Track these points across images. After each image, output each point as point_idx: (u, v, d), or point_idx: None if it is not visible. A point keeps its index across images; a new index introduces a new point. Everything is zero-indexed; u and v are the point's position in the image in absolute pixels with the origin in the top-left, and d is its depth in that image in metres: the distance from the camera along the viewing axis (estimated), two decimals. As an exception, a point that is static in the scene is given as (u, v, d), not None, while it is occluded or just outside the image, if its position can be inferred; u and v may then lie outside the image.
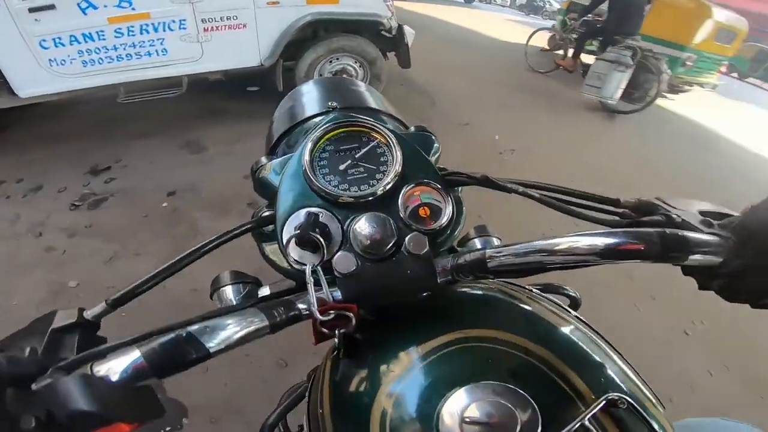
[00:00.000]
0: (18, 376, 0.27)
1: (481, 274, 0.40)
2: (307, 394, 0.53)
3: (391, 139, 0.48)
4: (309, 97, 0.69)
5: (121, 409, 0.27)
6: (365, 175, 0.47)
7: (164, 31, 2.62)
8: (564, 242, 0.37)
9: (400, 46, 3.44)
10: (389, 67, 3.60)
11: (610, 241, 0.36)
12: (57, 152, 2.68)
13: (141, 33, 2.55)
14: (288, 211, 0.44)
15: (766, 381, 2.03)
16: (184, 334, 0.32)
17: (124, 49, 2.59)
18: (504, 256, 0.39)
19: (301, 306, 0.39)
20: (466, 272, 0.41)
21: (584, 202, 0.45)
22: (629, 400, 0.38)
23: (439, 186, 0.46)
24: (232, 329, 0.35)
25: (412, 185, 0.46)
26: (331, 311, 0.38)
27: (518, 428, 0.34)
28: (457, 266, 0.41)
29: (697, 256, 0.35)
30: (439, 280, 0.42)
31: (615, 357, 0.43)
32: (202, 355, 0.32)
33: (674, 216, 0.38)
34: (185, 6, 2.61)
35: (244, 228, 0.46)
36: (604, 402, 0.36)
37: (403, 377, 0.41)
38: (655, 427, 0.38)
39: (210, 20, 2.73)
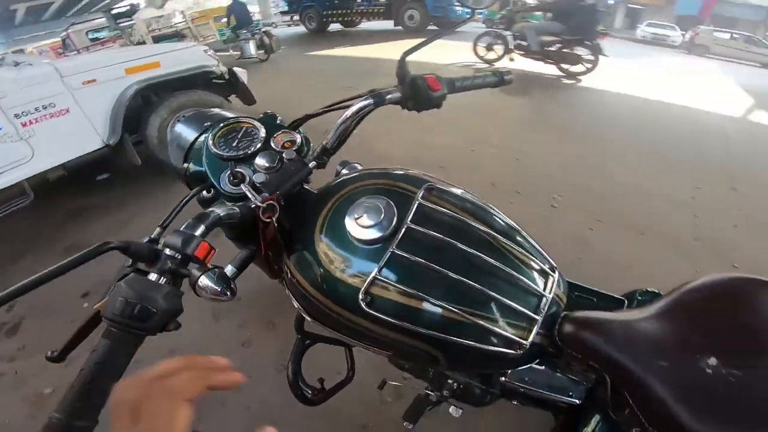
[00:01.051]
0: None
1: (328, 157, 0.81)
2: (290, 294, 0.80)
3: (254, 122, 0.86)
4: (187, 129, 0.98)
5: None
6: (248, 142, 0.83)
7: None
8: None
9: (238, 87, 3.70)
10: (238, 107, 3.85)
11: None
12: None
13: None
14: (217, 173, 0.79)
15: (637, 226, 2.77)
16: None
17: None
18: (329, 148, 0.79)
19: (249, 206, 0.68)
20: (320, 158, 0.80)
21: None
22: (441, 186, 0.73)
23: (288, 129, 0.86)
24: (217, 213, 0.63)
25: (275, 134, 0.84)
26: (265, 202, 0.67)
27: (382, 215, 0.67)
28: (317, 158, 0.80)
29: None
30: (310, 167, 0.79)
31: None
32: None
33: None
34: None
35: (192, 195, 0.78)
36: (424, 188, 0.70)
37: (325, 224, 0.73)
38: (459, 193, 0.74)
39: (24, 113, 2.56)
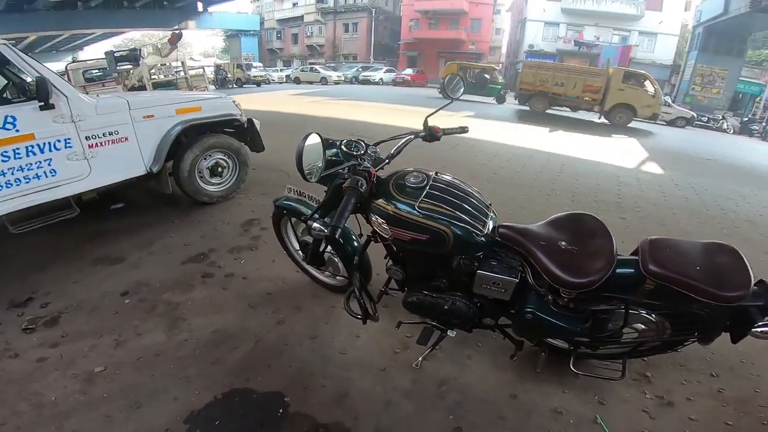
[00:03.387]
0: None
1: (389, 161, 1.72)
2: (384, 222, 1.53)
3: (360, 141, 1.67)
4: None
5: None
6: (357, 149, 1.63)
7: (51, 151, 2.66)
8: None
9: (254, 135, 4.15)
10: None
11: None
12: None
13: (27, 156, 2.55)
14: (347, 158, 1.60)
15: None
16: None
17: (12, 173, 2.51)
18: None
19: (367, 170, 1.51)
20: (385, 161, 1.71)
21: None
22: (442, 175, 1.64)
23: (373, 146, 1.73)
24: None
25: (368, 147, 1.68)
26: (375, 170, 1.58)
27: (420, 179, 1.56)
28: (385, 158, 1.71)
29: None
30: (386, 161, 1.71)
31: None
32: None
33: None
34: (69, 125, 2.73)
35: (355, 163, 1.56)
36: (435, 173, 1.63)
37: (394, 184, 1.56)
38: (448, 176, 1.66)
39: (94, 137, 2.88)
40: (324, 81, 25.90)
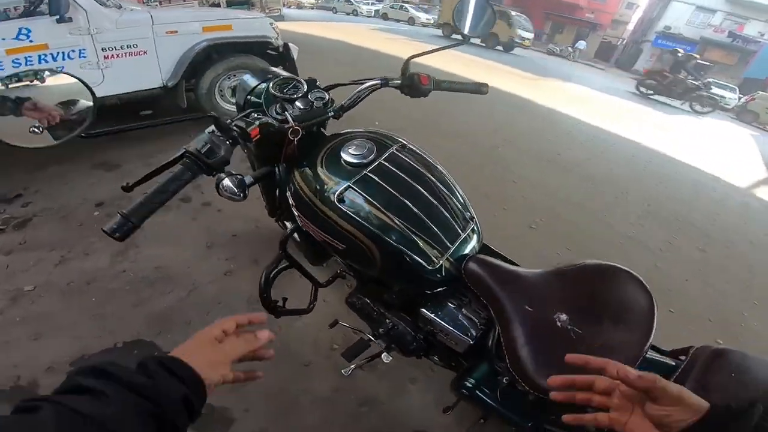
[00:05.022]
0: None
1: (342, 113, 1.08)
2: (293, 203, 1.04)
3: (301, 80, 1.08)
4: (253, 78, 1.18)
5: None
6: (294, 91, 1.05)
7: (63, 60, 2.61)
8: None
9: (288, 61, 3.82)
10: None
11: None
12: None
13: (39, 63, 2.50)
14: (269, 102, 1.01)
15: (597, 254, 2.79)
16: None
17: (22, 79, 2.53)
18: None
19: (284, 126, 0.92)
20: (337, 112, 1.07)
21: None
22: (412, 147, 1.06)
23: (322, 89, 1.09)
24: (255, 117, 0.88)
25: (312, 90, 1.07)
26: (295, 125, 0.92)
27: (365, 150, 0.97)
28: (335, 111, 1.06)
29: None
30: (329, 115, 1.05)
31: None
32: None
33: None
34: (85, 37, 2.67)
35: (248, 111, 0.96)
36: (399, 144, 1.04)
37: (329, 151, 1.01)
38: (422, 154, 1.06)
39: (111, 48, 2.83)
40: (411, 21, 24.49)
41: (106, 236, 0.63)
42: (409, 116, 4.64)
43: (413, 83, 1.13)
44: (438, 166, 1.05)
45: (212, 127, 0.77)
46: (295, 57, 3.87)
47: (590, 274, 0.86)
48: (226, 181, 0.75)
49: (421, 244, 0.91)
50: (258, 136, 0.82)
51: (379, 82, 1.10)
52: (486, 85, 1.24)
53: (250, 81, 1.17)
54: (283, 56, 3.82)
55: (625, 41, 29.47)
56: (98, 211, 2.37)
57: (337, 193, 0.92)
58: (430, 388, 1.62)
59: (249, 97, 1.12)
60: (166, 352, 0.50)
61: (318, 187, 0.97)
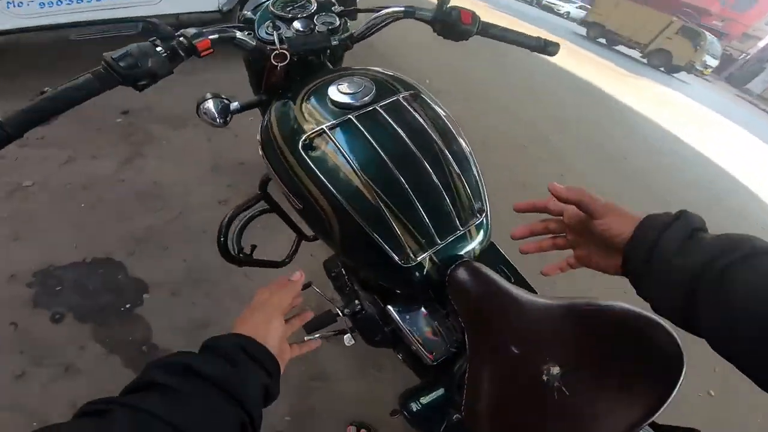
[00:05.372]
0: None
1: (352, 43, 0.88)
2: (260, 140, 0.77)
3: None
4: None
5: None
6: (299, 11, 0.84)
7: None
8: None
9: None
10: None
11: None
12: (9, 86, 2.45)
13: None
14: (262, 22, 0.83)
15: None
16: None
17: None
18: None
19: (266, 48, 0.76)
20: (344, 41, 0.86)
21: None
22: (426, 98, 0.73)
23: (333, 13, 0.88)
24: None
25: (322, 13, 0.86)
26: (280, 49, 0.74)
27: (361, 90, 0.70)
28: (341, 40, 0.85)
29: None
30: (332, 43, 0.83)
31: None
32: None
33: None
34: None
35: (231, 26, 0.72)
36: (410, 92, 0.72)
37: (317, 85, 0.75)
38: (439, 111, 0.73)
39: None
40: (541, 3, 21.07)
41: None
42: (469, 79, 3.94)
43: (450, 20, 0.84)
44: (455, 133, 0.73)
45: (151, 39, 0.62)
46: None
47: (612, 322, 0.54)
48: (209, 104, 0.73)
49: (397, 230, 0.62)
50: (209, 51, 0.65)
51: (402, 9, 0.84)
52: (556, 45, 0.93)
53: None
54: None
55: (748, 57, 24.71)
56: (121, 118, 2.26)
57: (304, 136, 0.66)
58: (392, 380, 1.37)
59: (245, 12, 0.94)
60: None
61: (288, 125, 0.72)
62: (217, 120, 0.73)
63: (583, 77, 6.61)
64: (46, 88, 0.53)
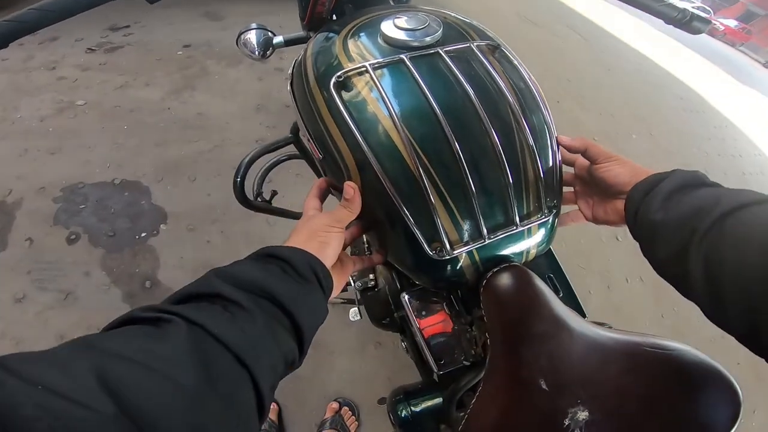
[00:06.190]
0: None
1: None
2: (290, 75, 0.58)
3: None
4: None
5: None
6: None
7: None
8: None
9: None
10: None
11: None
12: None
13: None
14: None
15: (672, 300, 1.71)
16: None
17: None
18: None
19: None
20: None
21: None
22: (507, 53, 0.52)
23: None
24: None
25: None
26: None
27: (422, 27, 0.49)
28: None
29: None
30: None
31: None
32: None
33: None
34: None
35: None
36: (487, 43, 0.51)
37: (369, 19, 0.55)
38: (523, 72, 0.50)
39: None
40: None
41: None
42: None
43: None
44: (539, 101, 0.50)
45: None
46: None
47: (668, 368, 0.42)
48: (250, 34, 0.66)
49: (437, 210, 0.43)
50: None
51: None
52: (706, 21, 0.59)
53: None
54: None
55: None
56: (182, 51, 2.18)
57: (340, 72, 0.46)
58: (390, 363, 1.16)
59: None
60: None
61: (325, 60, 0.53)
62: (256, 52, 0.67)
63: (682, 79, 5.44)
64: None
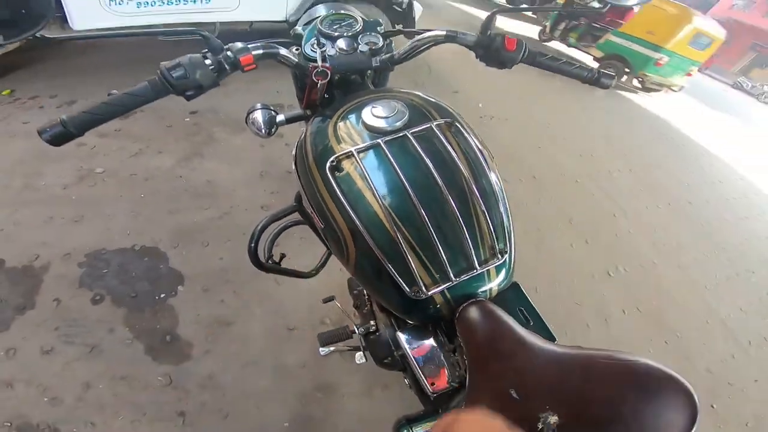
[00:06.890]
0: None
1: (392, 65, 0.84)
2: (293, 155, 0.76)
3: (360, 19, 0.86)
4: (323, 8, 1.06)
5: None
6: (345, 30, 0.84)
7: None
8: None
9: (408, 19, 3.46)
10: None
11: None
12: (87, 79, 2.69)
13: None
14: (311, 36, 0.82)
15: (674, 326, 1.94)
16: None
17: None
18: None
19: (308, 65, 0.75)
20: (385, 63, 0.82)
21: None
22: (459, 124, 0.70)
23: (378, 33, 0.85)
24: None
25: (367, 33, 0.84)
26: (321, 67, 0.73)
27: (393, 114, 0.68)
28: (382, 61, 0.82)
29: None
30: (373, 65, 0.81)
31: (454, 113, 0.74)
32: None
33: None
34: None
35: (279, 42, 0.76)
36: (444, 120, 0.69)
37: (353, 106, 0.73)
38: (472, 143, 0.68)
39: None
40: None
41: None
42: (524, 109, 3.82)
43: (493, 45, 0.81)
44: (486, 167, 0.69)
45: (203, 51, 0.67)
46: (417, 18, 3.49)
47: (625, 376, 0.51)
48: (257, 114, 0.76)
49: (411, 261, 0.60)
50: (252, 66, 0.69)
51: (444, 33, 0.82)
52: (611, 77, 0.84)
53: (318, 11, 1.04)
54: (404, 14, 3.44)
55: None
56: (189, 117, 2.40)
57: (333, 157, 0.65)
58: (397, 403, 1.30)
59: (297, 28, 0.94)
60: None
61: (321, 143, 0.71)
62: (263, 130, 0.76)
63: (645, 106, 6.08)
64: (114, 91, 0.58)
